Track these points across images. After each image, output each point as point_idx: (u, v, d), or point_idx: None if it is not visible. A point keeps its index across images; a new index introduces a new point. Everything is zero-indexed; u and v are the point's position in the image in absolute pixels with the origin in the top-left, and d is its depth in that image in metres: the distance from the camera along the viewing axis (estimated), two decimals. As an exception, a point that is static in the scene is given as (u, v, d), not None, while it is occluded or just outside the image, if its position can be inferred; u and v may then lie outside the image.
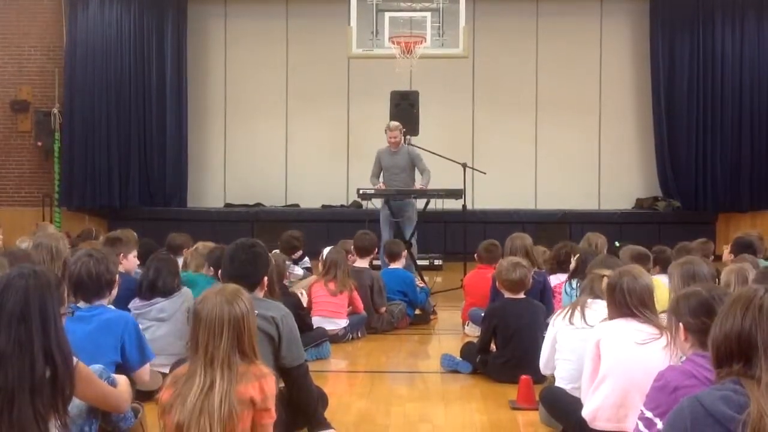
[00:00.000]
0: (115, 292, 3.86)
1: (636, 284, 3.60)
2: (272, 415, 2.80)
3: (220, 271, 4.02)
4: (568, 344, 4.08)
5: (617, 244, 6.55)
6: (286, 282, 6.43)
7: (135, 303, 4.73)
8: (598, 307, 4.04)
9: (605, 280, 4.11)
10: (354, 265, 6.85)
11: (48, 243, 5.30)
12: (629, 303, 3.57)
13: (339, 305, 6.28)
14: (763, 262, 5.44)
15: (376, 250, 7.49)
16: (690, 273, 4.18)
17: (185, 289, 4.88)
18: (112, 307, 3.87)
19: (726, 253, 6.33)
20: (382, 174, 9.09)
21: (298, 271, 7.50)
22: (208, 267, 5.54)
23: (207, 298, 2.84)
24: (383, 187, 8.83)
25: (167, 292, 4.71)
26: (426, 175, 8.99)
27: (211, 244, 6.35)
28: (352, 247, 7.08)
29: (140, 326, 4.58)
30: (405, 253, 7.51)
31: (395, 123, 9.26)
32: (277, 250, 7.02)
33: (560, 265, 6.23)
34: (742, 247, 6.10)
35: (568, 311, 4.18)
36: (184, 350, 4.04)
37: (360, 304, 6.44)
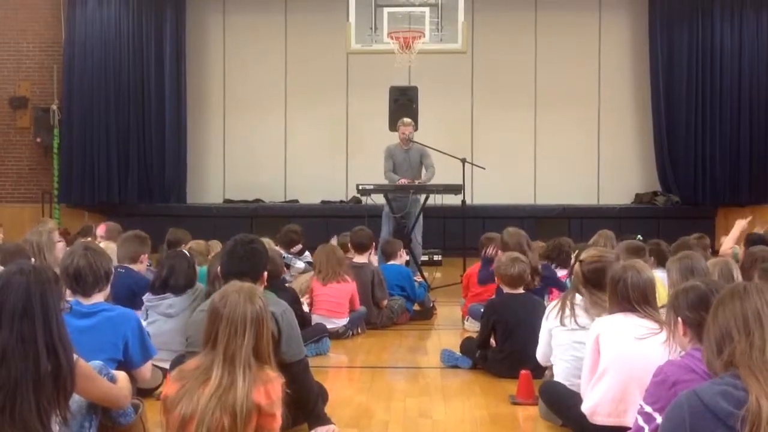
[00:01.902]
0: (109, 287, 3.85)
1: (640, 279, 3.60)
2: (278, 420, 2.80)
3: (219, 267, 4.02)
4: (561, 345, 4.08)
5: (640, 237, 6.54)
6: (287, 276, 6.44)
7: (148, 296, 4.80)
8: (584, 304, 4.04)
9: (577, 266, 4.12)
10: (353, 261, 6.87)
11: (35, 238, 5.32)
12: (631, 297, 3.56)
13: (339, 304, 6.27)
14: None
15: (374, 244, 7.50)
16: (688, 268, 4.19)
17: (198, 285, 4.90)
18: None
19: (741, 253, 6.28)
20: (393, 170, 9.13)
21: (300, 264, 7.51)
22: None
23: (227, 295, 2.83)
24: (406, 182, 8.87)
25: (178, 289, 4.75)
26: (430, 172, 9.03)
27: (203, 242, 6.35)
28: (349, 243, 7.10)
29: (148, 319, 4.67)
30: (401, 252, 7.52)
31: (409, 119, 9.31)
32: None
33: (555, 260, 6.28)
34: (755, 244, 6.08)
35: (558, 308, 4.16)
36: (184, 346, 4.03)
37: (357, 301, 6.44)
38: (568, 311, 4.08)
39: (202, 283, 5.07)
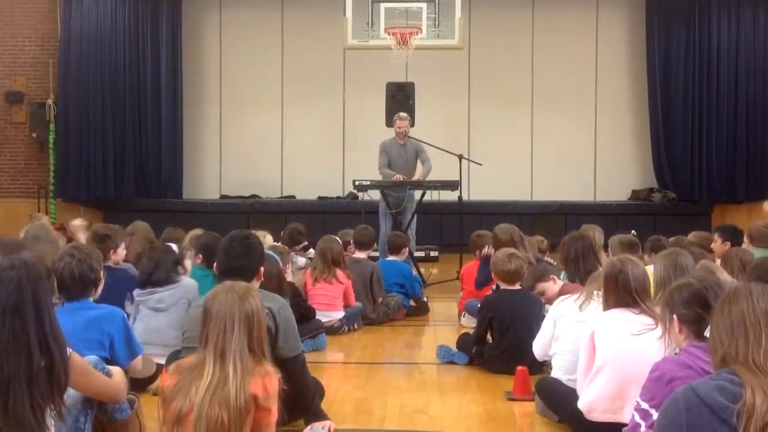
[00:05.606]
0: (100, 288, 3.82)
1: (639, 271, 3.59)
2: (274, 414, 2.82)
3: (215, 264, 4.01)
4: (568, 335, 4.06)
5: (634, 233, 6.52)
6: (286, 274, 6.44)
7: (137, 291, 4.81)
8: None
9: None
10: (353, 256, 6.94)
11: (46, 235, 5.32)
12: (633, 290, 3.54)
13: (333, 297, 6.28)
14: (757, 252, 5.41)
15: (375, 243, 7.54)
16: (674, 264, 4.16)
17: (188, 280, 4.88)
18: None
19: (718, 243, 6.29)
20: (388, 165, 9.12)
21: (301, 261, 7.50)
22: (195, 254, 5.54)
23: (217, 295, 2.86)
24: (401, 178, 8.86)
25: (164, 283, 4.75)
26: (426, 166, 9.02)
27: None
28: (352, 240, 7.13)
29: (140, 314, 4.66)
30: (405, 249, 7.53)
31: (405, 113, 9.32)
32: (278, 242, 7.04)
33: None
34: (728, 233, 6.15)
35: (578, 300, 4.12)
36: (178, 341, 4.03)
37: (352, 297, 6.44)
38: (584, 304, 4.04)
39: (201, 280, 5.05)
